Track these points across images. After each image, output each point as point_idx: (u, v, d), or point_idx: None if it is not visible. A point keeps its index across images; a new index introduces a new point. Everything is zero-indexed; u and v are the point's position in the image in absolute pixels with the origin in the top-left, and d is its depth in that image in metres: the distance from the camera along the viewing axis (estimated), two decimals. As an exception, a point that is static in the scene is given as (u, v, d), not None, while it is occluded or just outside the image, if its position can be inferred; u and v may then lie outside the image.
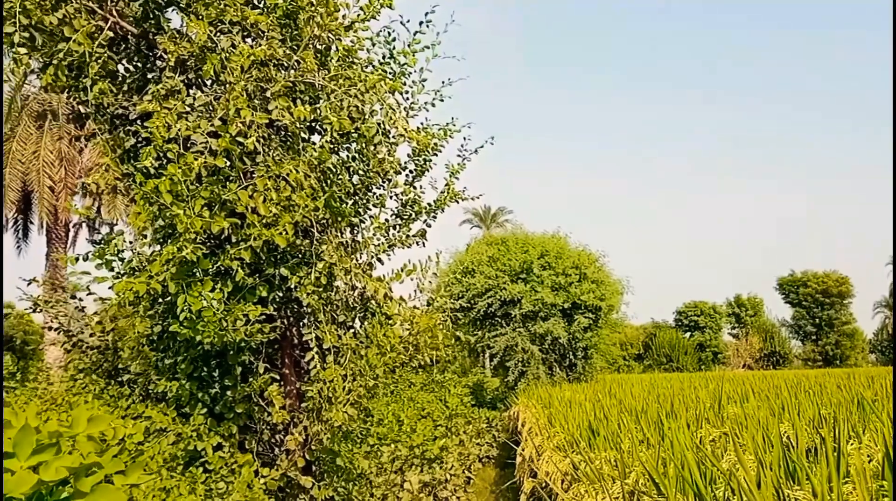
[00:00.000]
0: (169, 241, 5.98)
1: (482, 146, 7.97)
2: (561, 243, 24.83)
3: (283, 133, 6.66)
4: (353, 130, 6.75)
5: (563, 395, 15.19)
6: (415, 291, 7.27)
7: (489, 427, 18.45)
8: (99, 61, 5.79)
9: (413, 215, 7.72)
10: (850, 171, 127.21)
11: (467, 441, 15.42)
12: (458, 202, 7.84)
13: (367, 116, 6.56)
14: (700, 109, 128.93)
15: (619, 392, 14.47)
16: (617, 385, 17.95)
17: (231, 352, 6.53)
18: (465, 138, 7.82)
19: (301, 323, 6.95)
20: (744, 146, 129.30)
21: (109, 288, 6.18)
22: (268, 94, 6.07)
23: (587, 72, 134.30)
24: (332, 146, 6.63)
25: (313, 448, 6.86)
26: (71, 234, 29.79)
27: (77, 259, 6.64)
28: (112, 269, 6.48)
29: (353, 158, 7.24)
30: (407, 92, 7.36)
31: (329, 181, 6.63)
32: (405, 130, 6.67)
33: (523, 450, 11.35)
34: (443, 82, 7.51)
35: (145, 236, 6.64)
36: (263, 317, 6.15)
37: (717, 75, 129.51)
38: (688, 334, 71.74)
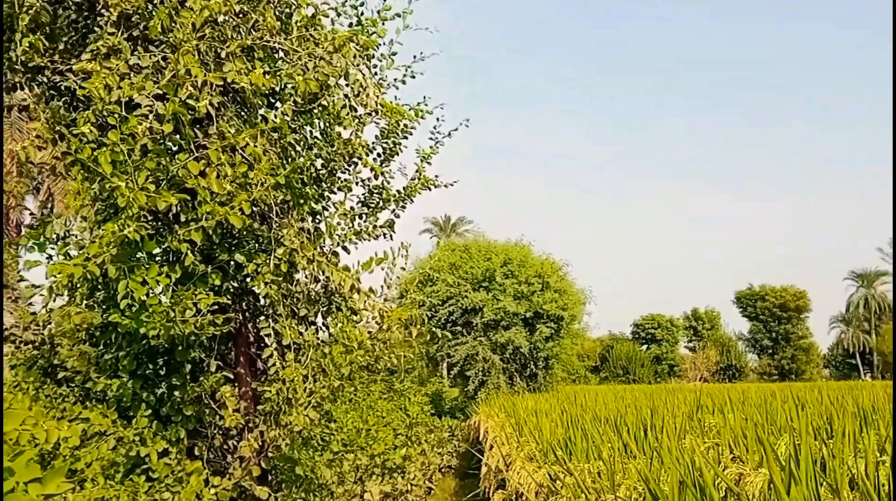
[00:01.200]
0: (110, 220, 5.30)
1: (456, 129, 7.39)
2: (524, 251, 24.43)
3: (239, 102, 6.02)
4: (317, 106, 6.17)
5: (528, 404, 14.69)
6: (382, 286, 6.65)
7: (451, 437, 17.88)
8: (30, 12, 5.12)
9: (381, 204, 7.11)
10: (810, 188, 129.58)
11: (429, 451, 14.87)
12: (429, 189, 7.25)
13: (333, 87, 5.96)
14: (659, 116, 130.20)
15: (585, 402, 13.99)
16: (581, 396, 17.48)
17: (179, 347, 5.84)
18: (438, 119, 7.24)
19: (258, 317, 6.28)
20: (704, 160, 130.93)
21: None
22: (222, 55, 5.45)
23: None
24: (294, 118, 6.02)
25: (270, 455, 6.18)
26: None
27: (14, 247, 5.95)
28: (45, 252, 5.79)
29: (317, 139, 6.62)
30: (375, 66, 6.76)
31: (290, 159, 6.01)
32: (377, 99, 6.09)
33: (488, 460, 10.83)
34: (414, 57, 6.93)
35: (85, 219, 5.97)
36: (216, 308, 5.49)
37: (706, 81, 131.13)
38: (645, 346, 72.15)
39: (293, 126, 6.28)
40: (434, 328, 6.96)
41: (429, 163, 7.28)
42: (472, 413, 19.00)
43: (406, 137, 7.16)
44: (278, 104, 6.29)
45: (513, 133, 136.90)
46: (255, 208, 5.82)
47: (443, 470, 16.44)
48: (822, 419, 7.43)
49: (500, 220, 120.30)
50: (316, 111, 6.33)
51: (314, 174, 6.62)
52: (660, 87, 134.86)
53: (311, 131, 6.67)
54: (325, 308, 6.36)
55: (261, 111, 6.20)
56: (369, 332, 6.07)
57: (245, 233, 5.81)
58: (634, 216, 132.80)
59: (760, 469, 5.46)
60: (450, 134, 7.39)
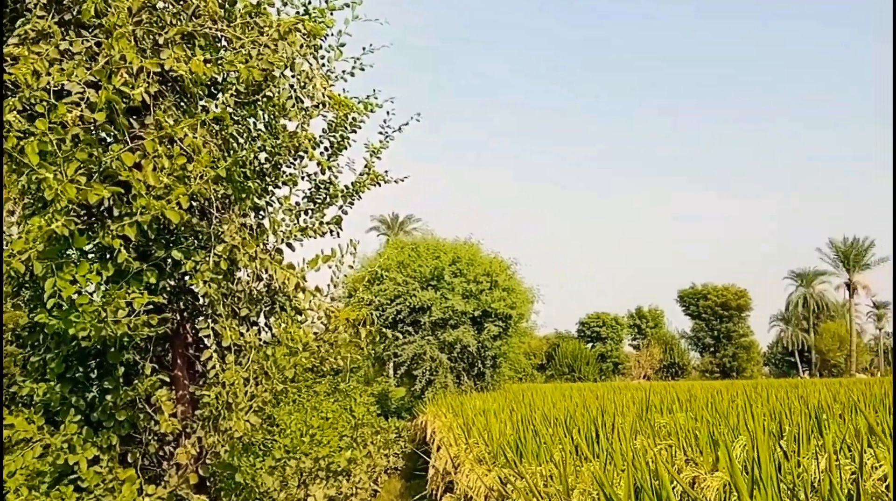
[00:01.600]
0: (37, 214, 4.98)
1: (406, 124, 7.17)
2: (473, 250, 24.31)
3: (179, 92, 5.73)
4: (261, 98, 5.91)
5: (476, 404, 14.53)
6: (329, 285, 6.40)
7: (398, 437, 17.64)
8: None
9: (327, 200, 6.86)
10: (754, 189, 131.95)
11: (375, 452, 14.60)
12: (378, 185, 7.02)
13: (279, 77, 5.70)
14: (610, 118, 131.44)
15: (534, 402, 13.89)
16: (529, 394, 17.40)
17: (112, 349, 5.53)
18: (388, 113, 7.02)
19: (197, 317, 5.98)
20: (650, 161, 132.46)
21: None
22: (160, 41, 5.15)
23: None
24: (237, 109, 5.75)
25: (208, 462, 5.89)
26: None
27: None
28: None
29: (261, 131, 6.35)
30: (323, 58, 6.50)
31: (232, 151, 5.73)
32: (324, 90, 5.84)
33: (436, 462, 10.65)
34: (363, 49, 6.69)
35: (12, 213, 5.62)
36: (151, 307, 5.19)
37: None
38: (590, 344, 72.81)
39: (236, 118, 6.02)
40: (383, 329, 6.74)
41: (378, 158, 7.06)
42: (419, 413, 18.80)
43: (355, 131, 6.92)
44: (220, 95, 6.00)
45: (484, 128, 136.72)
46: (193, 203, 5.54)
47: (389, 472, 16.20)
48: (773, 419, 7.39)
49: (466, 213, 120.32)
50: (260, 103, 6.07)
51: (258, 168, 6.35)
52: (644, 84, 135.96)
53: (254, 123, 6.40)
54: (268, 308, 6.09)
55: (202, 102, 5.92)
56: (315, 333, 5.82)
57: (183, 229, 5.53)
58: (586, 215, 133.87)
59: (716, 473, 5.36)
60: (400, 128, 7.17)
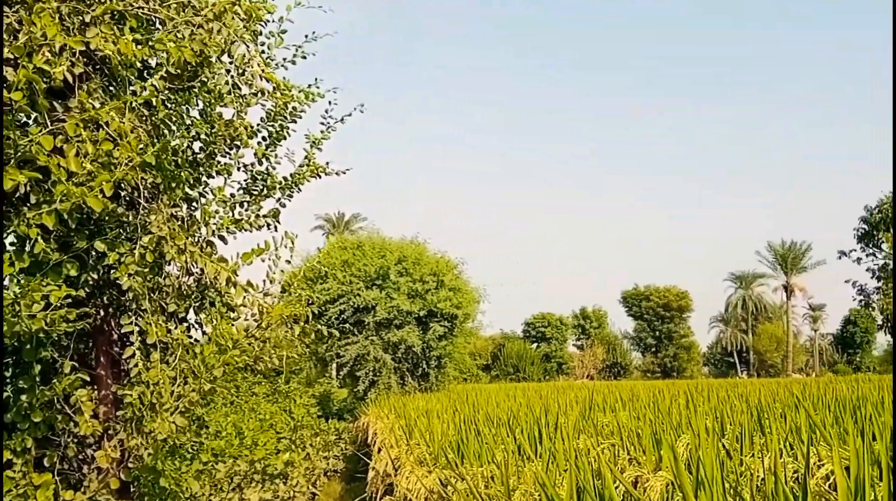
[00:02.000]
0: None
1: (349, 115, 6.91)
2: (419, 249, 24.04)
3: (106, 74, 5.41)
4: (197, 83, 5.62)
5: (419, 404, 14.32)
6: (264, 280, 6.12)
7: (338, 439, 17.33)
8: None
9: (265, 191, 6.58)
10: (695, 191, 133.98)
11: (314, 455, 14.32)
12: (319, 177, 6.76)
13: (215, 62, 5.43)
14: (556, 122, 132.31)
15: (478, 402, 13.73)
16: (473, 394, 17.26)
17: (28, 346, 5.18)
18: (330, 102, 6.76)
19: (122, 313, 5.66)
20: (588, 164, 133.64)
21: None
22: (87, 19, 4.84)
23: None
24: (171, 95, 5.45)
25: (131, 465, 5.57)
26: None
27: None
28: None
29: (195, 119, 6.05)
30: (263, 44, 6.23)
31: (163, 138, 5.42)
32: (262, 72, 5.57)
33: (376, 464, 10.42)
34: (306, 36, 6.43)
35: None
36: (70, 301, 4.86)
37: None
38: (535, 345, 73.26)
39: (169, 104, 5.71)
40: (322, 327, 6.49)
41: (319, 149, 6.80)
42: (362, 415, 18.52)
43: (295, 121, 6.65)
44: (151, 73, 5.69)
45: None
46: (119, 191, 5.24)
47: (328, 474, 15.92)
48: (715, 418, 7.32)
49: (417, 212, 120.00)
50: (196, 89, 5.77)
51: (191, 157, 6.05)
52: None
53: (188, 110, 6.10)
54: (197, 303, 5.79)
55: (132, 87, 5.60)
56: (246, 330, 5.54)
57: (107, 218, 5.20)
58: (531, 218, 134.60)
59: (659, 472, 5.24)
60: (342, 119, 6.92)
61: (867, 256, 51.72)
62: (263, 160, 6.53)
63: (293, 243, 6.25)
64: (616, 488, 4.70)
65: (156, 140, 5.26)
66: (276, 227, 6.67)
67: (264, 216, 6.53)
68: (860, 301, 52.42)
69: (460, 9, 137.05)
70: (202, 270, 5.49)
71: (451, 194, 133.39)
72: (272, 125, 6.52)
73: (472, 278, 25.29)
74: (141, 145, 4.89)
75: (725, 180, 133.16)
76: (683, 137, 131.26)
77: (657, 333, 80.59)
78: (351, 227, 70.89)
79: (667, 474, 5.08)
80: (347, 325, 22.71)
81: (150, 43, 5.19)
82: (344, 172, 6.94)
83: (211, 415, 12.06)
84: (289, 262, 6.32)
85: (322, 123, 6.84)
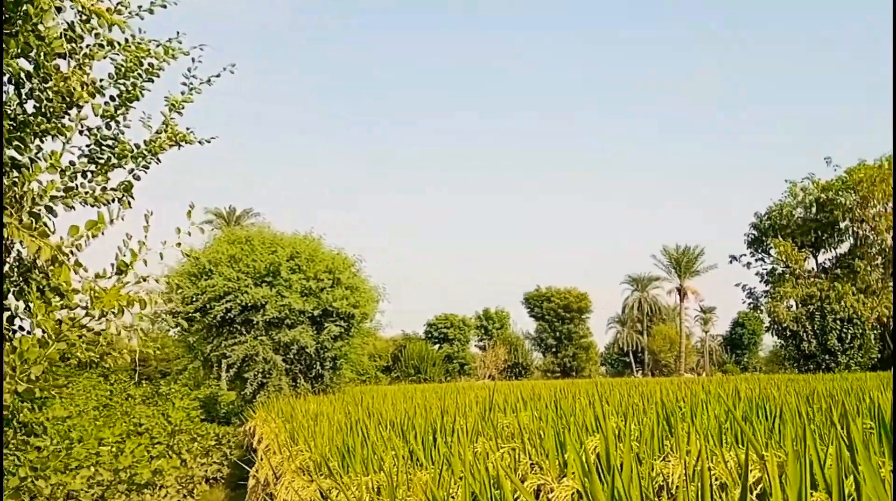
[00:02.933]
0: None
1: (218, 76, 6.01)
2: (314, 244, 23.03)
3: None
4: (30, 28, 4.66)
5: (308, 407, 13.47)
6: (112, 264, 5.18)
7: (218, 445, 16.24)
8: None
9: (114, 161, 5.62)
10: (597, 196, 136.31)
11: (191, 461, 13.26)
12: (179, 146, 5.84)
13: (49, 10, 4.48)
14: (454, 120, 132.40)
15: (372, 404, 12.96)
16: (369, 397, 16.48)
17: None
18: (194, 60, 5.85)
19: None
20: (499, 165, 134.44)
21: None
22: None
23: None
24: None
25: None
26: None
27: None
28: None
29: (24, 70, 5.06)
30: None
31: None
32: (108, 15, 4.65)
33: (257, 471, 9.59)
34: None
35: None
36: None
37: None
38: (437, 345, 73.13)
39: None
40: (182, 319, 5.58)
41: (179, 113, 5.88)
42: (249, 418, 17.51)
43: (152, 80, 5.72)
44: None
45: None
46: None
47: (210, 482, 14.88)
48: (622, 418, 6.75)
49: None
50: (20, 31, 4.80)
51: (18, 116, 5.06)
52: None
53: (18, 62, 5.11)
54: (17, 287, 4.81)
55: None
56: (73, 320, 4.58)
57: None
58: (429, 217, 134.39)
59: (564, 480, 4.59)
60: (209, 80, 6.01)
61: (756, 260, 53.75)
62: (112, 124, 5.58)
63: (148, 221, 5.34)
64: (517, 497, 4.05)
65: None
66: (129, 203, 5.74)
67: (112, 190, 5.59)
68: (749, 304, 54.40)
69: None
70: (26, 247, 4.52)
71: (352, 190, 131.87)
72: (123, 83, 5.58)
73: (371, 277, 24.43)
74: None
75: (626, 187, 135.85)
76: (585, 140, 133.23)
77: (558, 333, 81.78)
78: (242, 222, 68.85)
79: (573, 482, 4.44)
80: (235, 324, 21.57)
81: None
82: (208, 141, 6.03)
83: (76, 422, 10.98)
84: (143, 243, 5.39)
85: (184, 84, 5.92)
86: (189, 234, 5.65)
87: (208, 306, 20.90)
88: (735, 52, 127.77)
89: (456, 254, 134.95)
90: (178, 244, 5.57)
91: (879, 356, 49.58)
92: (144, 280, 5.56)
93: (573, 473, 4.49)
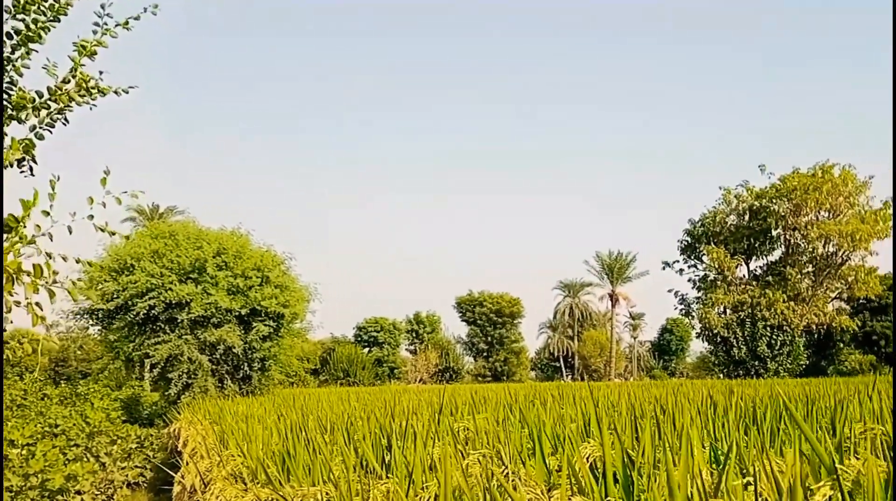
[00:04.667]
0: None
1: (137, 18, 5.15)
2: (242, 240, 22.01)
3: None
4: None
5: (239, 409, 12.57)
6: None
7: (140, 447, 15.18)
8: None
9: (10, 111, 4.74)
10: (532, 202, 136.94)
11: (110, 465, 12.27)
12: (90, 97, 4.98)
13: None
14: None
15: (307, 405, 12.12)
16: (301, 399, 15.63)
17: None
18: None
19: None
20: (425, 168, 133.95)
21: None
22: None
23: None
24: None
25: None
26: None
27: None
28: None
29: None
30: None
31: None
32: None
33: (183, 477, 8.73)
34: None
35: None
36: None
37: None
38: (367, 349, 72.38)
39: None
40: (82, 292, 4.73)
41: (90, 58, 5.01)
42: (174, 420, 16.50)
43: (58, 19, 4.86)
44: None
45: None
46: None
47: (132, 486, 13.88)
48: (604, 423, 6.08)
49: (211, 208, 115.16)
50: None
51: None
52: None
53: None
54: None
55: None
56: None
57: None
58: (368, 222, 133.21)
59: (556, 492, 3.86)
60: (127, 23, 5.15)
61: (689, 267, 54.15)
62: (9, 68, 4.70)
63: (54, 188, 4.50)
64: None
65: None
66: (30, 168, 4.88)
67: (7, 150, 4.71)
68: (681, 310, 54.77)
69: None
70: None
71: (282, 189, 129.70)
72: (21, 18, 4.70)
73: (301, 276, 23.51)
74: None
75: (560, 193, 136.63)
76: (521, 145, 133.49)
77: (489, 338, 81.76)
78: (167, 220, 66.91)
79: (580, 498, 3.71)
80: (159, 322, 20.43)
81: None
82: (126, 91, 5.17)
83: None
84: (48, 213, 4.53)
85: (96, 24, 5.05)
86: (104, 205, 4.84)
87: (130, 303, 19.76)
88: (668, 55, 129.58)
89: (387, 256, 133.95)
90: (91, 217, 4.76)
91: (808, 363, 50.43)
92: (50, 257, 4.69)
93: (567, 484, 3.77)
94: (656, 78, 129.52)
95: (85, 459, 11.14)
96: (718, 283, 51.24)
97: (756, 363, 48.52)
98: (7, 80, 4.70)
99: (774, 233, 51.13)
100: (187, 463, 9.27)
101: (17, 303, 3.96)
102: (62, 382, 23.56)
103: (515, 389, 19.24)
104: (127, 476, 12.93)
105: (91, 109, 5.20)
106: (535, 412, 6.79)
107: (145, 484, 14.55)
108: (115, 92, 5.07)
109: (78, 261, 5.03)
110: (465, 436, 6.16)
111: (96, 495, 11.03)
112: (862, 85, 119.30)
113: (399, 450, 5.09)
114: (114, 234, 5.12)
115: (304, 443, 5.80)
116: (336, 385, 57.65)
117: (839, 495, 2.72)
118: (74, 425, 13.14)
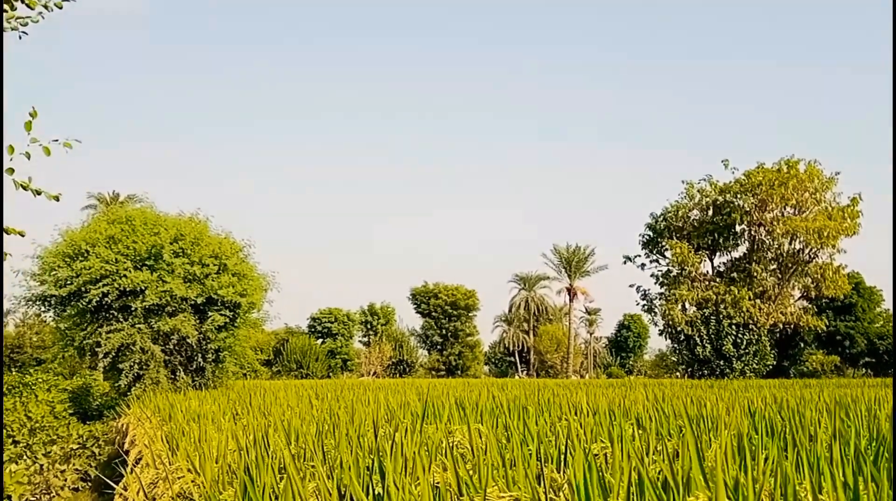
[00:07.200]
0: None
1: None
2: (200, 227, 21.30)
3: None
4: None
5: (191, 405, 11.81)
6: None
7: (83, 448, 14.43)
8: None
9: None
10: (490, 191, 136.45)
11: (49, 468, 11.54)
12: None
13: None
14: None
15: (266, 406, 11.44)
16: (258, 394, 15.02)
17: None
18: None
19: None
20: (379, 157, 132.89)
21: None
22: None
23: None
24: None
25: None
26: None
27: None
28: None
29: None
30: None
31: None
32: None
33: (125, 489, 7.77)
34: None
35: None
36: None
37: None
38: (320, 340, 71.60)
39: None
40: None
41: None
42: (123, 414, 15.76)
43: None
44: None
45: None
46: None
47: (78, 487, 13.17)
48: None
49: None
50: None
51: None
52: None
53: None
54: None
55: None
56: None
57: None
58: (324, 213, 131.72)
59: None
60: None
61: (651, 262, 53.08)
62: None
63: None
64: None
65: None
66: None
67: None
68: (643, 306, 53.56)
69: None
70: None
71: (239, 175, 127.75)
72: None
73: (259, 264, 22.83)
74: None
75: (519, 184, 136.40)
76: (484, 136, 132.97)
77: (444, 331, 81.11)
78: (126, 207, 65.45)
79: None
80: (112, 310, 19.69)
81: None
82: None
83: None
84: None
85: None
86: (27, 156, 4.41)
87: (83, 289, 19.00)
88: (632, 50, 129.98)
89: (342, 246, 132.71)
90: (11, 171, 4.35)
91: (774, 363, 49.59)
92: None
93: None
94: (615, 69, 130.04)
95: (22, 458, 10.45)
96: (682, 279, 50.14)
97: (721, 362, 47.26)
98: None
99: (739, 229, 50.06)
100: (132, 471, 8.51)
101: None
102: (14, 370, 22.54)
103: (477, 386, 18.77)
104: (66, 479, 12.17)
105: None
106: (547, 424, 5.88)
107: (89, 484, 13.87)
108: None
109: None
110: (461, 452, 5.21)
111: (29, 501, 10.34)
112: (829, 80, 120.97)
113: (395, 481, 4.05)
114: (39, 193, 4.68)
115: (269, 467, 4.81)
116: (289, 377, 56.83)
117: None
118: (16, 419, 12.42)
